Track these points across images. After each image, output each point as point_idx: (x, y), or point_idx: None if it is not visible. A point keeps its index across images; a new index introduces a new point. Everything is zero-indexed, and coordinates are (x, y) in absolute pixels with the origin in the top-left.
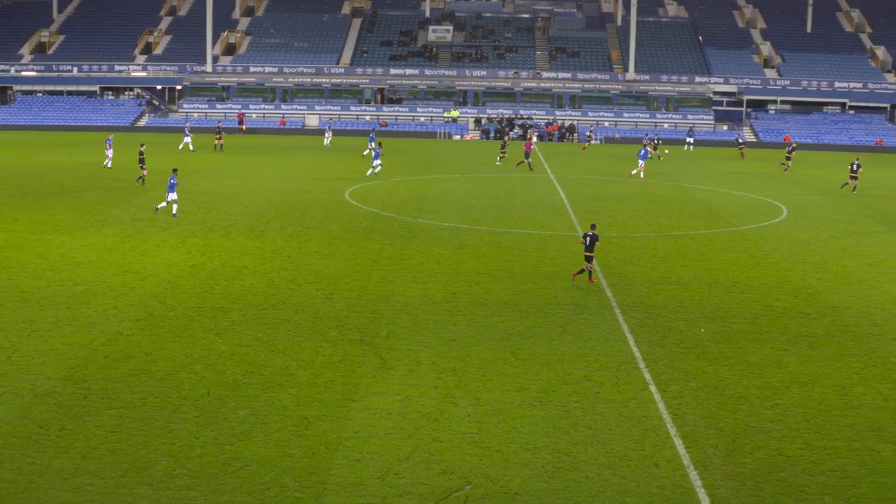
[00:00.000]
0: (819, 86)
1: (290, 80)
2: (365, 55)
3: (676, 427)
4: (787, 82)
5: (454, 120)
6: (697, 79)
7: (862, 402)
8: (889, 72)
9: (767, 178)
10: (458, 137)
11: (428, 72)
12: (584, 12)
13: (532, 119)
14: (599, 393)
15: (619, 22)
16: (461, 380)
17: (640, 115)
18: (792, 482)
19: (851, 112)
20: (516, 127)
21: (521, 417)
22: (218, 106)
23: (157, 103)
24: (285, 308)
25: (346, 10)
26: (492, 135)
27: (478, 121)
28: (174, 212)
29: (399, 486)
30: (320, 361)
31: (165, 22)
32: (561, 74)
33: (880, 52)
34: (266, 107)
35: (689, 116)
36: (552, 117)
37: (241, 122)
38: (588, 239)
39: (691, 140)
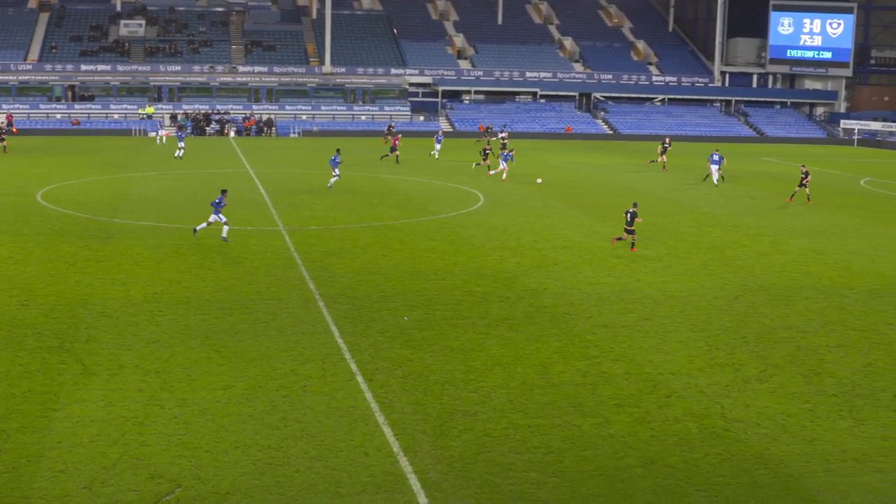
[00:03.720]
0: (511, 76)
1: None
2: (54, 51)
3: (385, 415)
4: (481, 73)
5: (149, 116)
6: (393, 71)
7: (562, 380)
8: (577, 62)
9: (464, 167)
10: (153, 134)
11: (121, 67)
12: (279, 5)
13: (229, 114)
14: (307, 386)
15: (315, 15)
16: (166, 381)
17: (338, 108)
18: (499, 461)
19: (542, 101)
20: (213, 122)
21: (228, 416)
22: None
23: None
24: None
25: (32, 3)
26: (189, 130)
27: (174, 117)
28: (224, 234)
29: (107, 494)
30: (17, 371)
31: None
32: (257, 68)
33: (568, 42)
34: None
35: (387, 108)
36: (249, 112)
37: (10, 124)
38: (629, 215)
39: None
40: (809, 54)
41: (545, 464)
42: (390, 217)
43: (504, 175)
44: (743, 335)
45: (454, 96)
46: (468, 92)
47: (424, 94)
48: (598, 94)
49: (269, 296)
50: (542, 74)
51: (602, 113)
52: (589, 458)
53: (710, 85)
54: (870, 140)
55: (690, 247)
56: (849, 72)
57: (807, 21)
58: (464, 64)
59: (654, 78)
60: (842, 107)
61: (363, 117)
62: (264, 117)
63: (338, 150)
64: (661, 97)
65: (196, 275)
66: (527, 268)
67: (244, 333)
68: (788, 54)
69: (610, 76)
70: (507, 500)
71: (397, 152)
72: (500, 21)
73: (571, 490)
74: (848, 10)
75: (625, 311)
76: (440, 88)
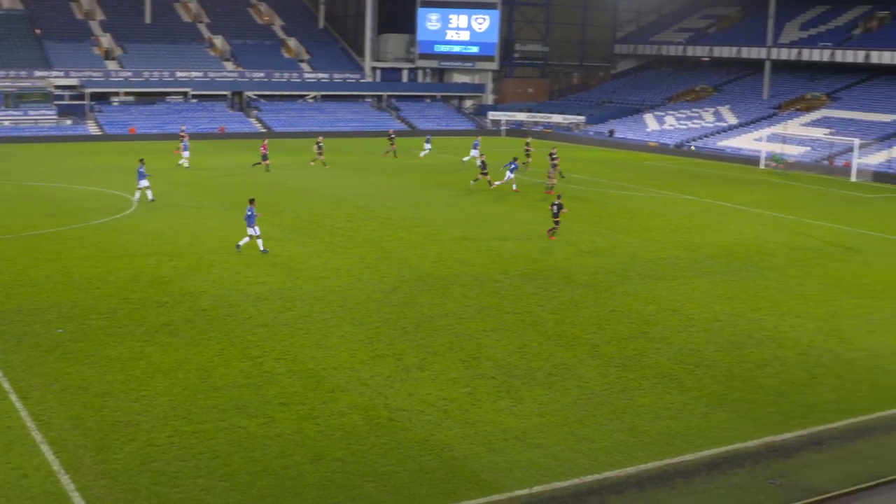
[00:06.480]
0: (161, 76)
1: None
2: None
3: (42, 433)
4: (130, 74)
5: None
6: (37, 73)
7: (225, 383)
8: (228, 60)
9: (114, 171)
10: None
11: None
12: None
13: None
14: None
15: None
16: None
17: None
18: (165, 470)
19: (194, 101)
20: None
21: None
22: None
23: None
24: None
25: None
26: None
27: None
28: (262, 247)
29: None
30: None
31: None
32: None
33: (218, 41)
34: None
35: (31, 112)
36: None
37: None
38: (555, 208)
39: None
40: (457, 49)
41: (213, 468)
42: (40, 226)
43: (514, 185)
44: (402, 325)
45: (103, 98)
46: (117, 93)
47: (71, 97)
48: (250, 93)
49: None
50: (193, 74)
51: (255, 111)
52: (257, 459)
53: (361, 81)
54: (517, 130)
55: (347, 241)
56: (495, 65)
57: (453, 17)
58: (112, 65)
59: (307, 75)
60: (489, 99)
61: (6, 122)
62: None
63: (141, 161)
64: (313, 94)
65: None
66: (184, 271)
67: None
68: (437, 49)
69: (262, 74)
70: None
71: (268, 161)
72: (148, 20)
73: (241, 493)
74: (492, 6)
75: (285, 309)
76: (88, 90)
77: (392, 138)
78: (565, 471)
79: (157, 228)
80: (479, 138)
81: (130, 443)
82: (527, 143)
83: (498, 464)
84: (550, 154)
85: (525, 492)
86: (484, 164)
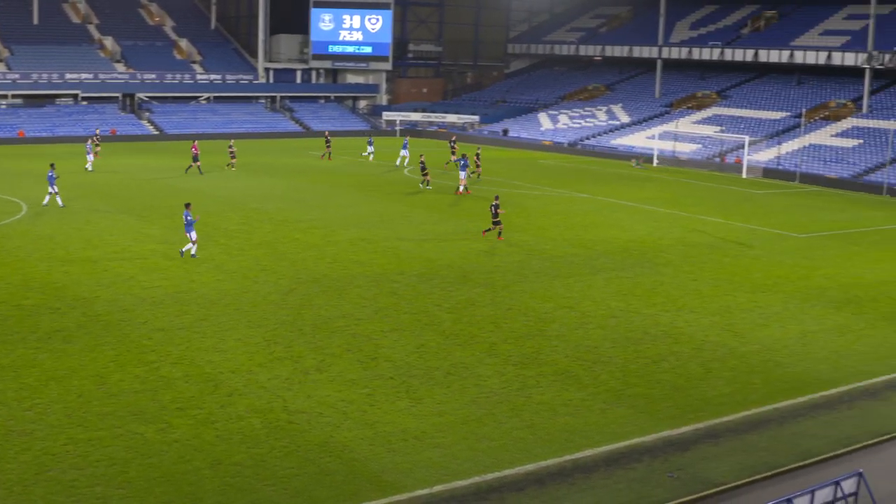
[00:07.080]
0: (50, 78)
1: None
2: None
3: None
4: (18, 76)
5: None
6: None
7: (121, 388)
8: (119, 62)
9: (2, 175)
10: None
11: None
12: None
13: None
14: None
15: None
16: None
17: None
18: (61, 479)
19: (85, 103)
20: None
21: None
22: None
23: None
24: None
25: None
26: None
27: None
28: (193, 252)
29: None
30: None
31: None
32: None
33: (108, 42)
34: None
35: None
36: None
37: None
38: (494, 208)
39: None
40: (351, 49)
41: (110, 476)
42: None
43: (461, 188)
44: (300, 327)
45: None
46: (5, 96)
47: None
48: (141, 95)
49: None
50: (83, 76)
51: (147, 113)
52: (154, 466)
53: (254, 82)
54: (411, 130)
55: (243, 244)
56: (389, 65)
57: (346, 17)
58: None
59: (199, 76)
60: (384, 99)
61: None
62: None
63: (52, 165)
64: (206, 95)
65: None
66: (77, 276)
67: None
68: (330, 49)
69: (153, 76)
70: None
71: (199, 163)
72: (36, 21)
73: (140, 500)
74: (385, 6)
75: (181, 313)
76: None
77: (328, 140)
78: (465, 469)
79: (48, 233)
80: (408, 138)
81: (25, 452)
82: (452, 142)
83: (398, 464)
84: (477, 154)
85: (426, 491)
86: (423, 165)
